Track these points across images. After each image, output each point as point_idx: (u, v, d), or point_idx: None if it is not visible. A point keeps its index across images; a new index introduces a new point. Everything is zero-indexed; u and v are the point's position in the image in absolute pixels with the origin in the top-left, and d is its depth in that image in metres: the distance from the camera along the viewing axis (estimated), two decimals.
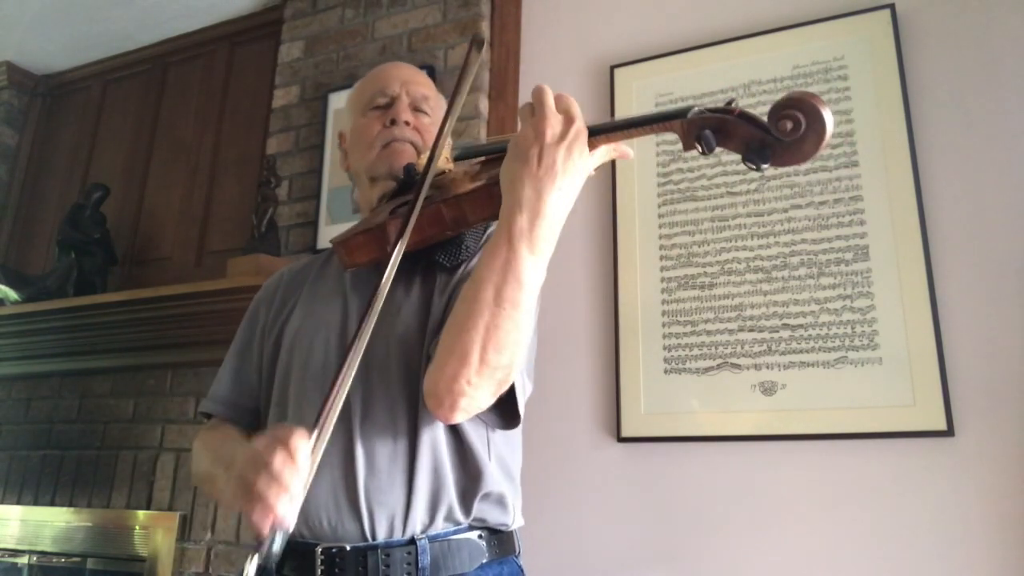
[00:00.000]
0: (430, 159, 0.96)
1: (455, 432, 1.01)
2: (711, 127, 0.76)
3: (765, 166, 0.75)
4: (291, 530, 0.76)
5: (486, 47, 2.12)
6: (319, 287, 1.15)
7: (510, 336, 0.84)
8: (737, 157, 0.81)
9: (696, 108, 0.78)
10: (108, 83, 3.11)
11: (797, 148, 0.72)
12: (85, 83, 3.16)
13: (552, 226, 0.82)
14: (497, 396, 0.90)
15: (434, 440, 0.99)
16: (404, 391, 1.00)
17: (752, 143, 0.74)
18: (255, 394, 1.15)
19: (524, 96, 2.08)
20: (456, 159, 1.05)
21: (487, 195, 0.90)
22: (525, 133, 0.82)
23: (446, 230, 0.96)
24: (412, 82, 1.19)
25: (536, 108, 0.82)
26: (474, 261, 1.05)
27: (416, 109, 1.17)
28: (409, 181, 1.05)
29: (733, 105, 0.77)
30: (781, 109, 0.71)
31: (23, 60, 3.12)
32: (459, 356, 0.84)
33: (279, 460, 0.74)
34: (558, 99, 0.83)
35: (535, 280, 0.83)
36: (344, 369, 0.79)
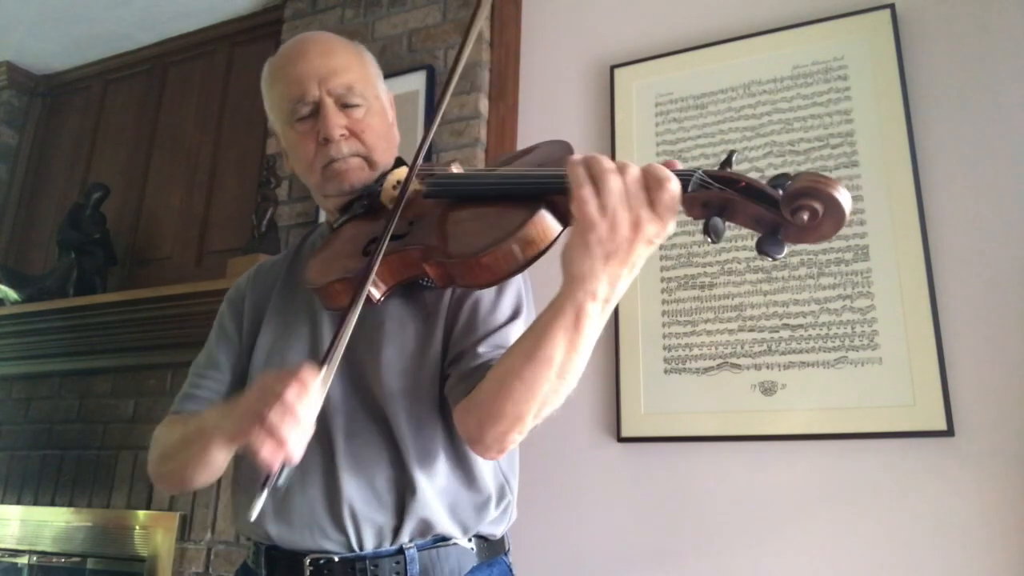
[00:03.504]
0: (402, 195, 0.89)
1: (460, 454, 0.99)
2: (716, 208, 0.69)
3: (781, 256, 0.68)
4: (296, 463, 0.76)
5: (486, 45, 2.11)
6: (287, 300, 1.11)
7: (565, 393, 0.84)
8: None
9: (696, 175, 0.70)
10: (108, 83, 3.10)
11: (815, 231, 0.67)
12: (85, 83, 3.16)
13: (615, 303, 0.78)
14: None
15: (434, 465, 0.96)
16: (394, 411, 0.97)
17: (763, 223, 0.68)
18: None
19: (524, 96, 2.08)
20: (427, 196, 0.94)
21: (476, 266, 0.80)
22: (613, 234, 0.70)
23: (428, 278, 0.90)
24: (330, 74, 1.04)
25: (631, 204, 0.70)
26: None
27: (344, 105, 1.04)
28: (374, 204, 1.01)
29: (734, 163, 0.70)
30: (796, 198, 0.65)
31: (23, 60, 3.11)
32: (512, 419, 0.84)
33: (292, 391, 0.74)
34: (663, 192, 0.69)
35: (595, 340, 0.81)
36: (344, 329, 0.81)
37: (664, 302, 1.76)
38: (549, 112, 2.05)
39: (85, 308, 2.35)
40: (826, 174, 0.67)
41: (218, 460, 0.95)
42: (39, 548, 2.36)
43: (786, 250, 0.68)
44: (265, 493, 0.75)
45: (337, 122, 1.02)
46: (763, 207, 0.67)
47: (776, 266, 1.67)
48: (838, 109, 1.70)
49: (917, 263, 1.55)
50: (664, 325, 1.75)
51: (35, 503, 2.42)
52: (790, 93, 1.76)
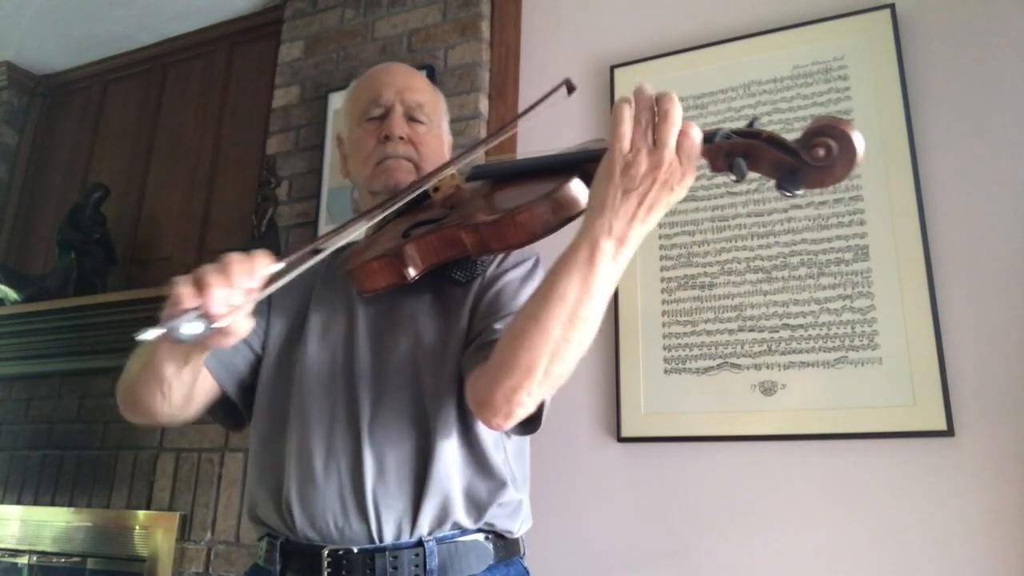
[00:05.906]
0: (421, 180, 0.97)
1: (473, 441, 1.01)
2: (740, 153, 0.75)
3: (799, 192, 0.74)
4: (214, 327, 0.71)
5: (486, 45, 2.11)
6: (327, 294, 1.13)
7: (577, 349, 0.84)
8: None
9: (721, 131, 0.77)
10: (108, 83, 3.10)
11: (828, 172, 0.72)
12: (85, 83, 3.15)
13: (634, 248, 0.80)
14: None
15: (450, 448, 0.98)
16: (420, 399, 1.00)
17: (782, 168, 0.74)
18: (247, 364, 1.11)
19: (524, 96, 2.08)
20: (468, 179, 1.04)
21: (511, 224, 0.87)
22: (636, 166, 0.75)
23: (466, 253, 0.95)
24: (407, 89, 1.17)
25: (658, 139, 0.74)
26: (489, 270, 1.05)
27: (411, 119, 1.16)
28: (416, 199, 1.05)
29: (756, 126, 0.76)
30: (813, 136, 0.71)
31: (23, 60, 3.11)
32: (524, 370, 0.84)
33: (237, 260, 0.75)
34: (685, 139, 0.74)
35: (609, 294, 0.82)
36: None
37: (664, 302, 1.76)
38: (549, 112, 2.04)
39: (85, 308, 2.35)
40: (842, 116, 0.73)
41: (165, 369, 0.95)
42: (39, 548, 2.36)
43: (802, 190, 0.74)
44: (158, 329, 0.71)
45: (401, 125, 1.14)
46: (782, 153, 0.73)
47: (776, 266, 1.67)
48: (838, 109, 1.70)
49: (917, 263, 1.55)
50: (664, 325, 1.75)
51: (35, 503, 2.42)
52: (790, 93, 1.76)
